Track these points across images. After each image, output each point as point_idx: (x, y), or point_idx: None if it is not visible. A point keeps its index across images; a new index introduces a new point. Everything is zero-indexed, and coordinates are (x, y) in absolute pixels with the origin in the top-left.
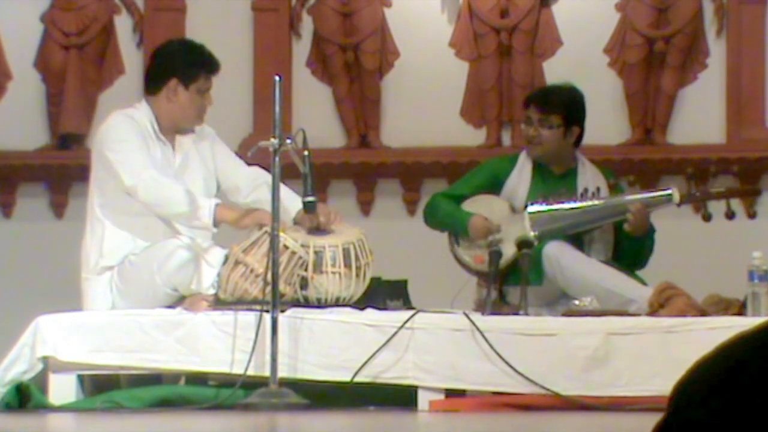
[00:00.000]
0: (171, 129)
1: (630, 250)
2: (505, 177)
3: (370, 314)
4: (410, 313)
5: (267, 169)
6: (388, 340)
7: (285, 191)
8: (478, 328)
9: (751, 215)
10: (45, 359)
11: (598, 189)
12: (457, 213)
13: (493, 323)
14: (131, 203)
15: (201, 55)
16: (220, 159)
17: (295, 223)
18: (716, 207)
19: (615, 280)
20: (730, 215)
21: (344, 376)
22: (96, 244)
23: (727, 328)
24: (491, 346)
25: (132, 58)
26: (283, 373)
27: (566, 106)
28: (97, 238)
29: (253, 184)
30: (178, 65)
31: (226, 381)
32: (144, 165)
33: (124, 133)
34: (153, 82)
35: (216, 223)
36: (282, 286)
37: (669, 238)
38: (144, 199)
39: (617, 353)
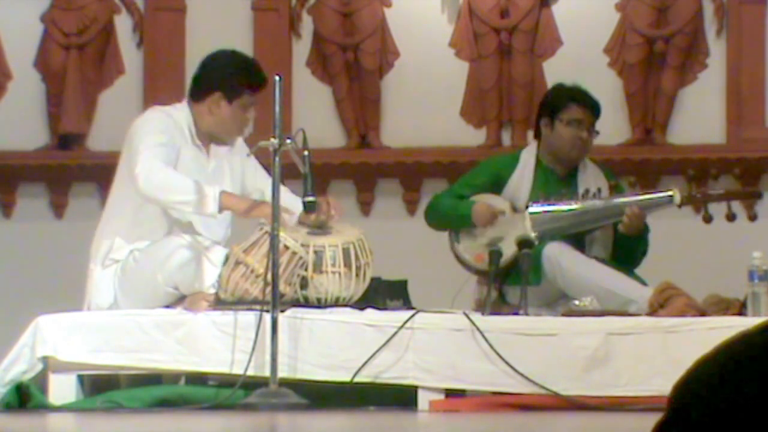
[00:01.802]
0: (207, 136)
1: (624, 249)
2: (507, 176)
3: (370, 314)
4: (410, 313)
5: (266, 168)
6: (388, 340)
7: (287, 195)
8: (478, 328)
9: (752, 217)
10: (45, 359)
11: (599, 190)
12: (460, 204)
13: (493, 323)
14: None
15: (248, 72)
16: (249, 174)
17: (299, 222)
18: (717, 209)
19: (615, 280)
20: (731, 217)
21: (344, 376)
22: (110, 235)
23: (727, 328)
24: (491, 346)
25: (132, 58)
26: (283, 373)
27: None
28: (112, 230)
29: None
30: (223, 80)
31: (226, 381)
32: (152, 157)
33: (157, 127)
34: (197, 90)
35: (220, 210)
36: (282, 287)
37: (669, 239)
38: (143, 188)
39: (617, 353)
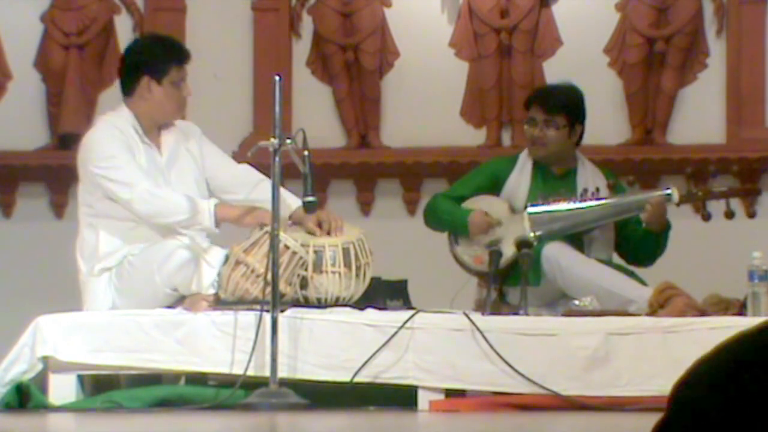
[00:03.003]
0: (154, 128)
1: (644, 245)
2: (505, 177)
3: (370, 314)
4: (410, 313)
5: (266, 168)
6: (388, 340)
7: (284, 192)
8: (478, 328)
9: (751, 215)
10: (45, 359)
11: (597, 189)
12: (457, 210)
13: (493, 323)
14: (119, 209)
15: (167, 47)
16: (209, 158)
17: (292, 222)
18: (716, 207)
19: (615, 280)
20: (730, 215)
21: (344, 376)
22: (90, 249)
23: (727, 328)
24: (491, 346)
25: None
26: (283, 373)
27: (570, 106)
28: (91, 244)
29: (249, 183)
30: (146, 62)
31: (226, 381)
32: (136, 178)
33: (109, 147)
34: (126, 83)
35: (217, 224)
36: (282, 286)
37: (669, 239)
38: (141, 213)
39: (617, 353)
